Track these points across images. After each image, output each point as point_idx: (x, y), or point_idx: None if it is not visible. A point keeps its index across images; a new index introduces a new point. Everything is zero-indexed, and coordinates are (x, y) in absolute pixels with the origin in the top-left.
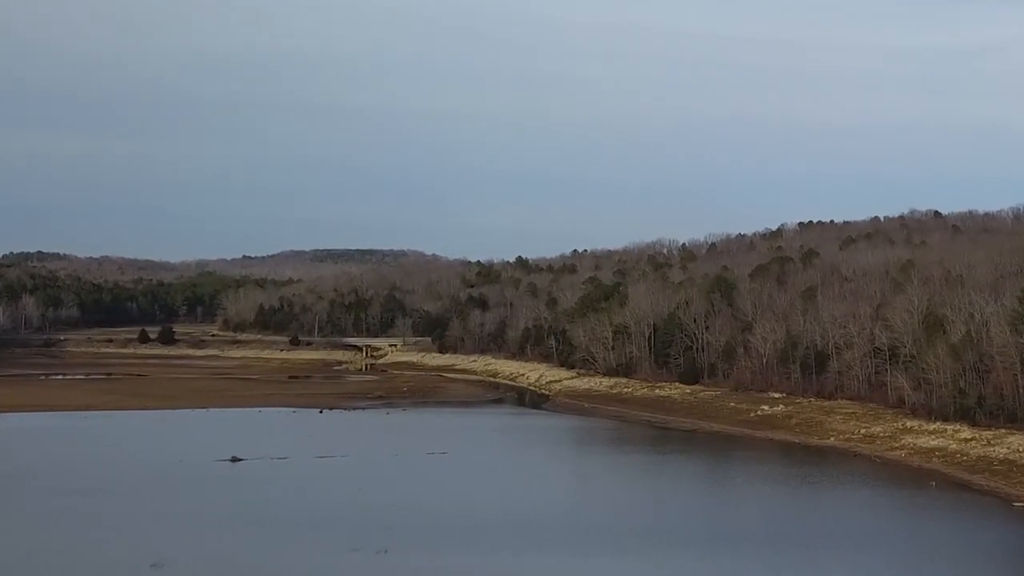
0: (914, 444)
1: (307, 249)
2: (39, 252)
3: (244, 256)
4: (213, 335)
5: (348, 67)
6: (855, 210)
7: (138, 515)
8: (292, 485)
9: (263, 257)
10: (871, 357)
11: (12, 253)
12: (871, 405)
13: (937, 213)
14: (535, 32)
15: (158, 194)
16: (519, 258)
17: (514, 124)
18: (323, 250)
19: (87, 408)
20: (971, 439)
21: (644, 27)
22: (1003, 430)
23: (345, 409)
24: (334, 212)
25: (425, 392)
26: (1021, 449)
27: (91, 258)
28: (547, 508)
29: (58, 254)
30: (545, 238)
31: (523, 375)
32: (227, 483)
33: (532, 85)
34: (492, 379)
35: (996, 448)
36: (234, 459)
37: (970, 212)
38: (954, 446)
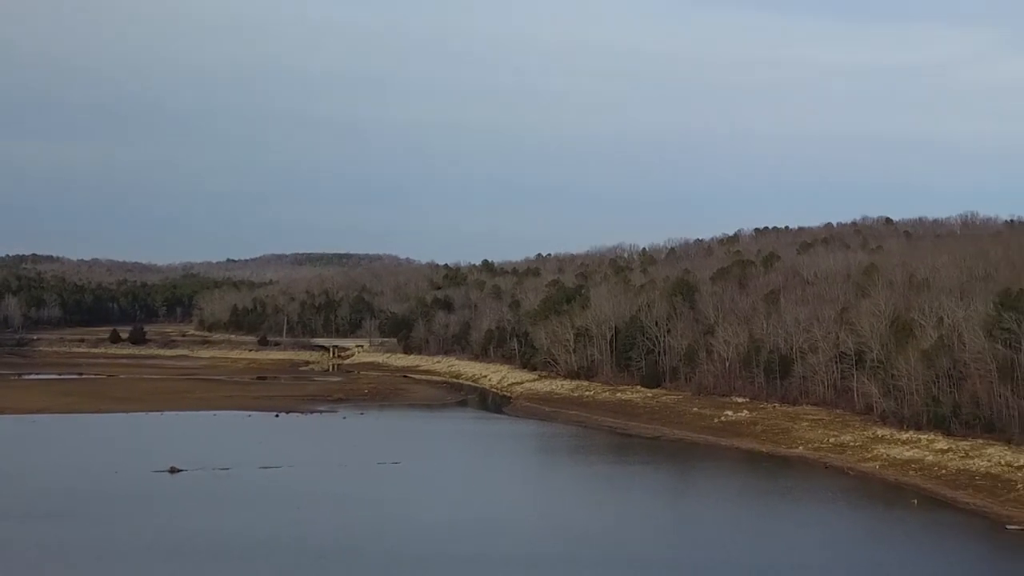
0: (888, 455)
1: (288, 253)
2: (33, 255)
3: (228, 259)
4: (184, 335)
5: (329, 82)
6: (809, 216)
7: (44, 544)
8: (225, 503)
9: (246, 260)
10: (836, 362)
11: (8, 256)
12: (838, 411)
13: (888, 219)
14: (503, 49)
15: (148, 200)
16: (485, 261)
17: (482, 135)
18: (303, 254)
19: (41, 411)
20: (947, 450)
21: (608, 46)
22: (980, 441)
23: (303, 412)
24: (314, 218)
25: (387, 394)
26: (1003, 462)
27: (82, 260)
28: (500, 534)
29: (51, 256)
30: (511, 242)
31: (486, 377)
32: (155, 501)
33: (499, 99)
34: (455, 380)
35: (976, 461)
36: (173, 470)
37: (920, 219)
38: (930, 458)
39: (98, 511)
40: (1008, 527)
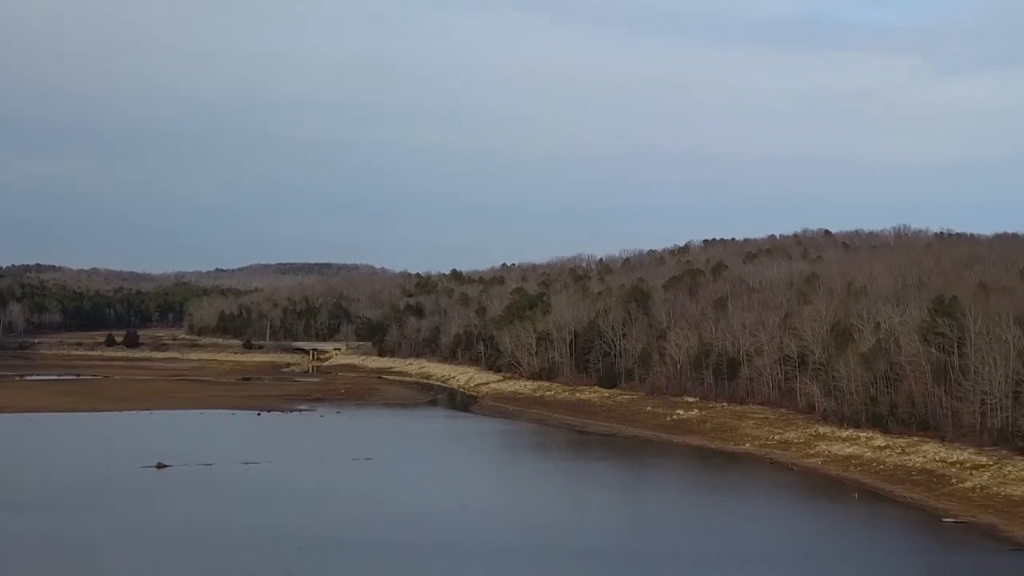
0: (829, 451)
1: (272, 263)
2: (37, 264)
3: (216, 269)
4: (175, 339)
5: (310, 106)
6: (753, 229)
7: (36, 537)
8: (209, 497)
9: (233, 270)
10: (781, 364)
11: (14, 265)
12: (782, 410)
13: (827, 232)
14: (469, 77)
15: (143, 215)
16: (454, 271)
17: (452, 155)
18: (285, 263)
19: (39, 409)
20: (885, 447)
21: (564, 72)
22: (916, 438)
23: (283, 411)
24: (297, 230)
25: (362, 394)
26: (938, 458)
27: (82, 269)
28: (467, 526)
29: (53, 266)
30: (477, 253)
31: (454, 378)
32: (143, 495)
33: (467, 122)
34: (425, 381)
35: (912, 457)
36: (160, 465)
37: (856, 231)
38: (869, 454)
39: (88, 504)
40: (945, 520)
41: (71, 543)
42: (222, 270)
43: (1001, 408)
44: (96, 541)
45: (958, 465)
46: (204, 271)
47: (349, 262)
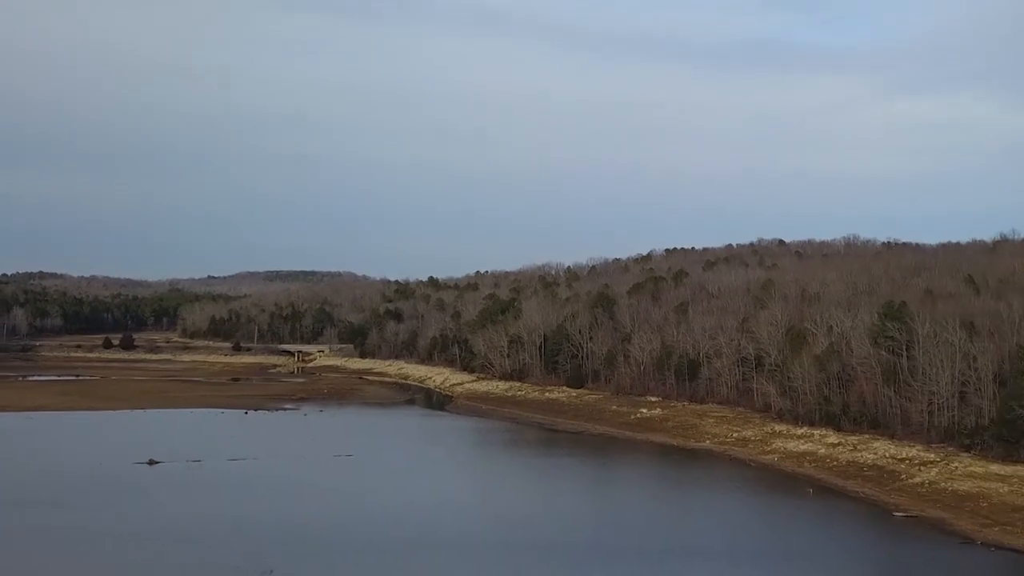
0: (785, 448)
1: (260, 270)
2: (40, 272)
3: (208, 276)
4: (168, 342)
5: (298, 124)
6: (712, 238)
7: (31, 531)
8: (197, 493)
9: (224, 277)
10: (739, 365)
11: (18, 273)
12: (740, 409)
13: (782, 241)
14: (444, 98)
15: (141, 225)
16: (431, 278)
17: (429, 170)
18: (273, 271)
19: (39, 409)
20: (838, 444)
21: (534, 93)
22: (867, 436)
23: (269, 410)
24: (284, 240)
25: (344, 394)
26: (888, 455)
27: (82, 277)
28: (442, 520)
29: (55, 273)
30: (453, 261)
31: (430, 378)
32: (133, 491)
33: (443, 139)
34: (404, 381)
35: (863, 454)
36: (151, 462)
37: (809, 240)
38: (823, 451)
39: (82, 499)
40: (895, 514)
41: (64, 537)
42: (214, 277)
43: (947, 407)
44: (88, 536)
45: (907, 462)
46: (197, 278)
47: (332, 270)
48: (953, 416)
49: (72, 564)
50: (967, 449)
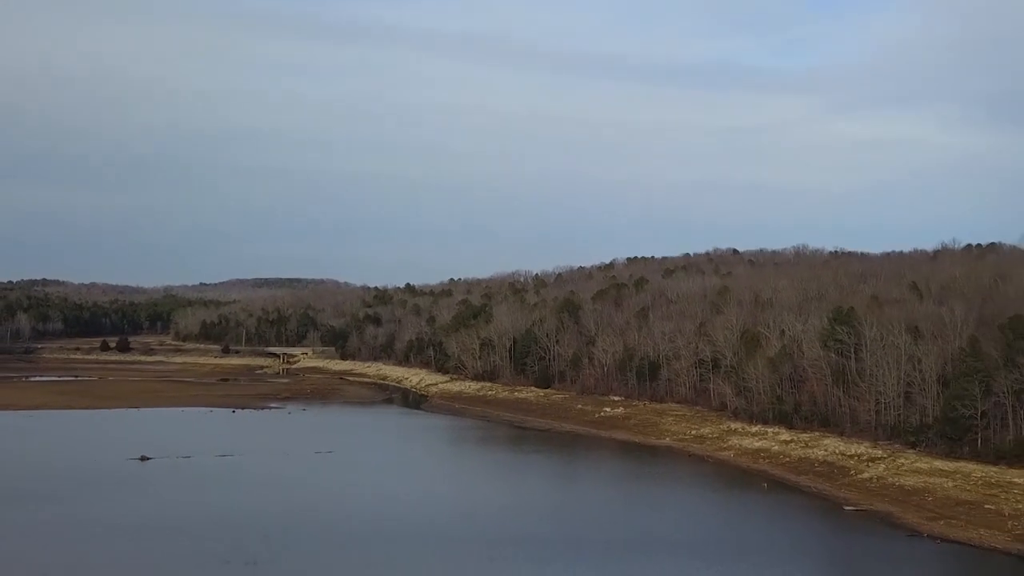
0: (740, 445)
1: (249, 278)
2: (43, 279)
3: (200, 283)
4: (162, 344)
5: (285, 141)
6: (671, 248)
7: (26, 524)
8: (186, 488)
9: (215, 284)
10: (696, 367)
11: (22, 280)
12: (697, 408)
13: (736, 250)
14: (420, 115)
15: (137, 235)
16: (407, 285)
17: (409, 183)
18: (261, 278)
19: (39, 407)
20: (790, 441)
21: (503, 110)
22: (818, 433)
23: (256, 409)
24: (271, 249)
25: (326, 393)
26: (838, 451)
27: (82, 284)
28: (418, 514)
29: (57, 280)
30: (429, 269)
31: (407, 379)
32: (125, 485)
33: (421, 154)
34: (382, 382)
35: (815, 450)
36: (143, 458)
37: (761, 250)
38: (776, 448)
39: (76, 493)
40: (846, 508)
41: (57, 530)
42: (205, 284)
43: (894, 406)
44: (81, 528)
45: (856, 458)
46: (189, 285)
47: (316, 277)
48: (899, 415)
49: (63, 556)
50: (912, 446)
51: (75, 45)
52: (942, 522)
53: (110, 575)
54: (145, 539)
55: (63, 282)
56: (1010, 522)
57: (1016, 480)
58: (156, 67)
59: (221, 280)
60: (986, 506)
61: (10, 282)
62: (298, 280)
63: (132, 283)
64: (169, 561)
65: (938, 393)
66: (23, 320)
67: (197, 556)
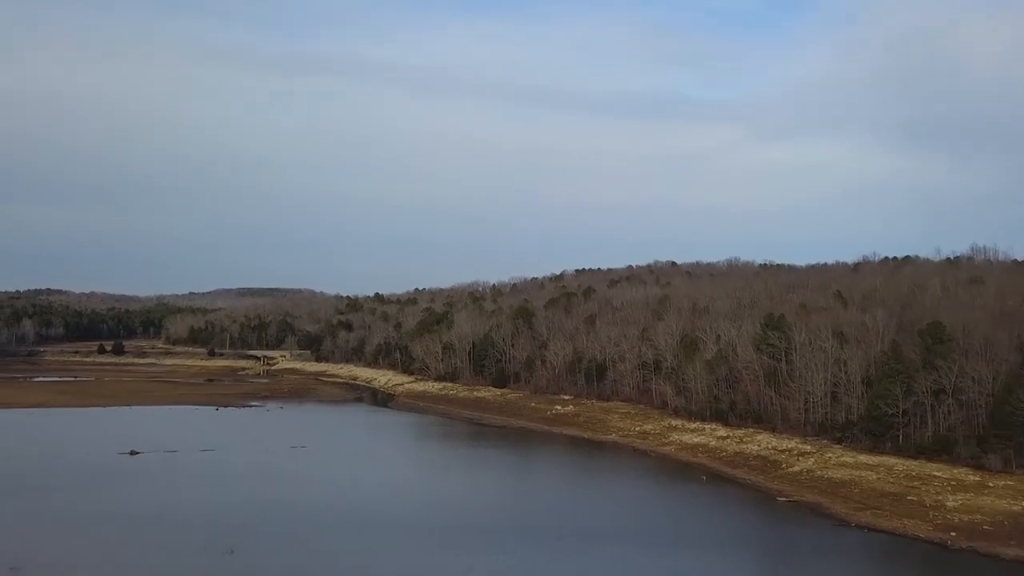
0: (680, 440)
1: (233, 287)
2: (48, 289)
3: (189, 292)
4: (153, 348)
5: (267, 164)
6: (615, 260)
7: (24, 513)
8: (171, 480)
9: (202, 293)
10: (639, 369)
11: (28, 289)
12: (641, 406)
13: (674, 263)
14: (387, 141)
15: (132, 248)
16: (376, 294)
17: (377, 201)
18: (245, 288)
19: (39, 405)
20: (727, 437)
21: (468, 136)
22: (752, 430)
23: (237, 407)
24: (254, 261)
25: (302, 393)
26: (770, 447)
27: (83, 293)
28: (384, 504)
29: (60, 290)
30: (396, 279)
31: (376, 379)
32: (114, 478)
33: (389, 175)
34: (353, 382)
35: (749, 445)
36: (132, 452)
37: (697, 262)
38: (714, 443)
39: (69, 485)
40: (779, 499)
41: (49, 520)
42: (194, 293)
43: (821, 405)
44: (72, 518)
45: (787, 452)
46: (179, 294)
47: (293, 287)
48: (826, 413)
49: (51, 544)
50: (839, 442)
51: (78, 79)
52: (868, 512)
53: (98, 563)
54: (132, 528)
55: (65, 291)
56: (931, 512)
57: (935, 473)
58: (151, 99)
59: (208, 290)
60: (908, 497)
61: (17, 291)
62: (278, 289)
63: (128, 292)
64: (153, 549)
65: (862, 393)
66: (28, 325)
67: (179, 545)
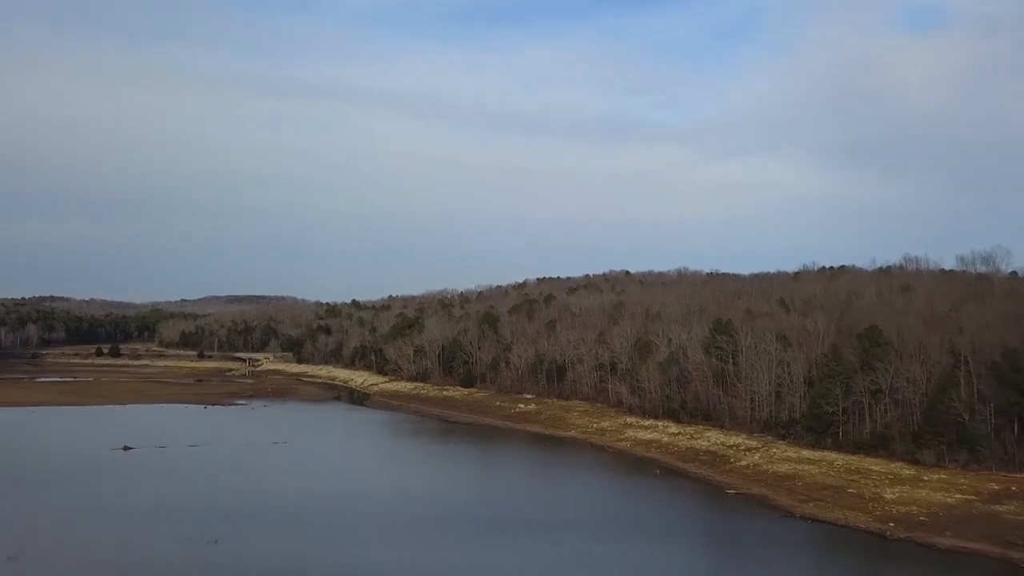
0: (635, 436)
1: (222, 295)
2: (51, 296)
3: (181, 299)
4: (147, 350)
5: (251, 180)
6: (574, 269)
7: (19, 505)
8: (161, 473)
9: (193, 300)
10: (597, 370)
11: (33, 297)
12: (598, 405)
13: (628, 272)
14: (364, 159)
15: (129, 259)
16: (354, 300)
17: (356, 215)
18: (232, 295)
19: (40, 404)
20: (678, 433)
21: (439, 156)
22: (701, 426)
23: (224, 405)
24: (241, 270)
25: (284, 392)
26: (719, 442)
27: (83, 300)
28: (359, 496)
29: (62, 297)
30: (371, 287)
31: (352, 380)
32: (108, 472)
33: (365, 192)
34: (332, 382)
35: (699, 441)
36: (126, 447)
37: (649, 271)
38: (666, 439)
39: (65, 479)
40: (728, 491)
41: (48, 511)
42: (186, 300)
43: (766, 404)
44: (68, 509)
45: (735, 448)
46: (172, 301)
47: (277, 294)
48: (771, 411)
49: (48, 534)
50: (783, 438)
51: (80, 104)
52: (811, 504)
53: (90, 551)
54: (122, 519)
55: (66, 298)
56: (870, 504)
57: (873, 467)
58: (148, 121)
59: (199, 297)
60: (849, 490)
61: (23, 298)
62: (263, 297)
63: (124, 299)
64: (142, 538)
65: (804, 392)
66: (32, 330)
67: (167, 534)
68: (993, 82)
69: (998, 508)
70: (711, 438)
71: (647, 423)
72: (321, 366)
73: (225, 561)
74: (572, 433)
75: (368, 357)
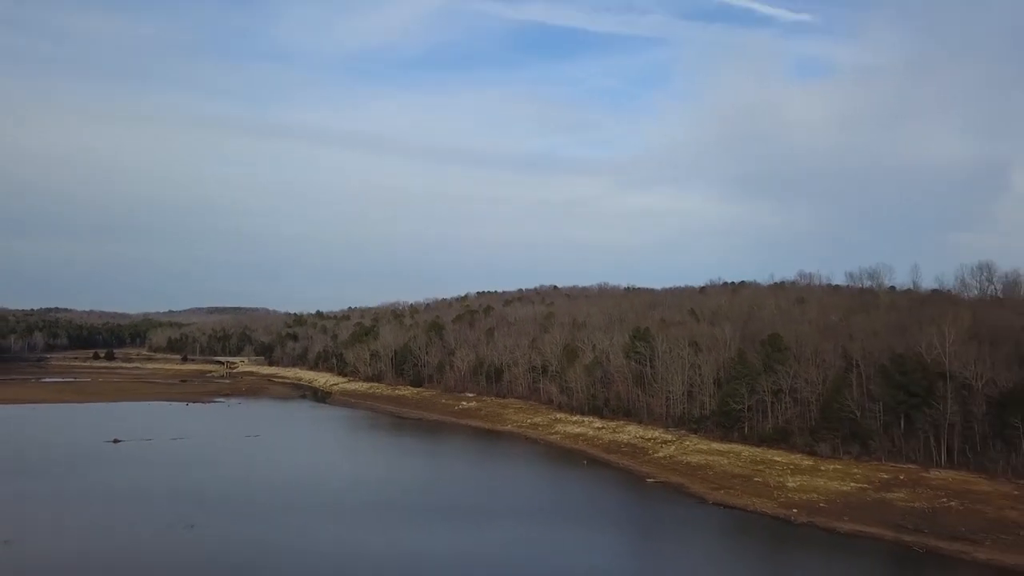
0: (564, 431)
1: (204, 306)
2: (56, 307)
3: (169, 310)
4: (138, 355)
5: (228, 208)
6: (509, 284)
7: (14, 493)
8: (146, 464)
9: (180, 311)
10: (530, 372)
11: (40, 308)
12: (531, 402)
13: (556, 286)
14: (332, 190)
15: (124, 275)
16: (318, 311)
17: (320, 238)
18: (213, 307)
19: (41, 401)
20: (602, 428)
21: (392, 186)
22: (622, 421)
23: (204, 403)
24: (221, 285)
25: (256, 391)
26: (638, 436)
27: (84, 310)
28: (318, 485)
29: (66, 308)
30: (333, 299)
31: (316, 380)
32: (98, 462)
33: (328, 216)
34: (298, 382)
35: (621, 435)
36: (115, 440)
37: (574, 286)
38: (592, 433)
39: (59, 469)
40: (648, 480)
41: (41, 499)
42: (173, 311)
43: (680, 402)
44: (60, 497)
45: (652, 440)
46: (161, 311)
47: (252, 306)
48: (684, 408)
49: (41, 520)
50: (695, 432)
51: (76, 138)
52: (722, 491)
53: (80, 535)
54: (109, 506)
55: (70, 309)
56: (775, 492)
57: (776, 458)
58: (142, 156)
59: (184, 308)
60: (755, 479)
61: (31, 309)
62: (239, 308)
63: (119, 310)
64: (125, 524)
65: (714, 392)
66: (38, 337)
67: (149, 519)
68: (870, 124)
69: (889, 495)
70: (631, 432)
71: (575, 419)
72: (289, 368)
73: (200, 543)
74: (509, 427)
75: (330, 360)
